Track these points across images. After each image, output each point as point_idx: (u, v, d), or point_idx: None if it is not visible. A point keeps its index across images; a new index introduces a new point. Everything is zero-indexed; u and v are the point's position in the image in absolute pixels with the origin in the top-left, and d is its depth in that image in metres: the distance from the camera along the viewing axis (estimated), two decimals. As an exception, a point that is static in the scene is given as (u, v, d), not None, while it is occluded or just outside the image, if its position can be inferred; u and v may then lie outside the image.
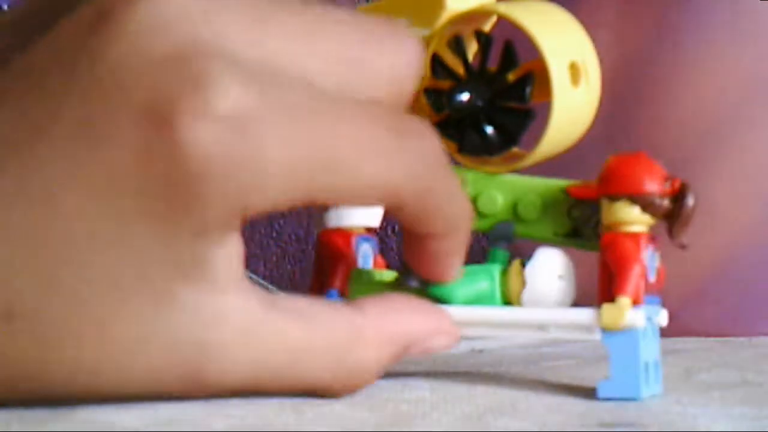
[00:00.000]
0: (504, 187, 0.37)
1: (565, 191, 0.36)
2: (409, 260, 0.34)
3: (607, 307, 0.33)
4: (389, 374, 0.37)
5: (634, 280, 0.34)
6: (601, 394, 0.33)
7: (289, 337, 0.31)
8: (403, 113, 0.33)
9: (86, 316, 0.30)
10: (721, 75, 0.50)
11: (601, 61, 0.37)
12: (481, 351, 0.46)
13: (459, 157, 0.38)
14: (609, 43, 0.49)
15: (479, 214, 0.37)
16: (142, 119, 0.28)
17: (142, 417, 0.29)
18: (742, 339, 0.49)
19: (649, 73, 0.51)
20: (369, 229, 0.37)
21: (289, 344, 0.31)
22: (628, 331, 0.33)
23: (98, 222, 0.29)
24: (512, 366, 0.39)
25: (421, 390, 0.34)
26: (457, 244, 0.34)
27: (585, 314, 0.34)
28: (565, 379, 0.35)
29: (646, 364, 0.33)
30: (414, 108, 0.39)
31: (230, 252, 0.30)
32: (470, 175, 0.37)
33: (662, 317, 0.35)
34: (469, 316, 0.35)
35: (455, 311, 0.35)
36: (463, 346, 0.46)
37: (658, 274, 0.35)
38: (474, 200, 0.37)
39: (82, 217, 0.29)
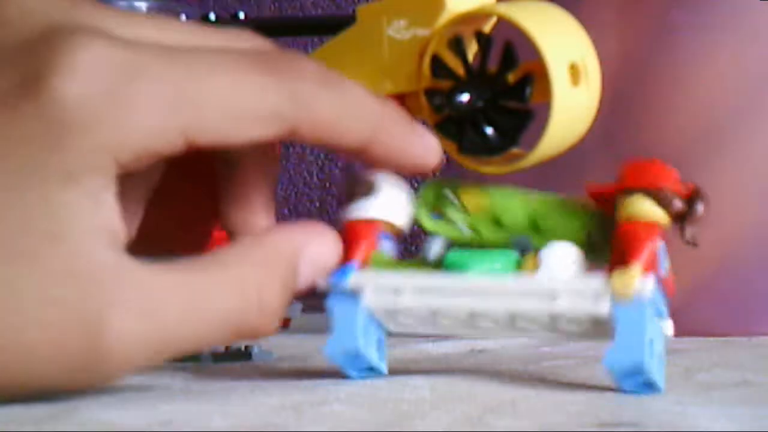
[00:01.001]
0: (525, 204, 0.37)
1: (582, 207, 0.36)
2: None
3: (618, 273, 0.34)
4: (389, 374, 0.37)
5: (647, 250, 0.34)
6: (607, 362, 0.33)
7: (188, 287, 0.31)
8: (274, 54, 0.34)
9: None
10: (721, 75, 0.50)
11: (601, 61, 0.37)
12: (481, 351, 0.46)
13: (459, 158, 0.38)
14: (609, 43, 0.49)
15: (502, 227, 0.37)
16: (20, 83, 0.30)
17: (142, 417, 0.29)
18: (742, 339, 0.49)
19: (650, 73, 0.51)
20: (393, 229, 0.37)
21: (189, 294, 0.31)
22: (637, 302, 0.33)
23: None
24: (512, 366, 0.39)
25: (421, 390, 0.34)
26: (397, 134, 0.34)
27: (595, 281, 0.34)
28: (565, 379, 0.36)
29: (651, 341, 0.33)
30: (414, 108, 0.39)
31: (101, 207, 0.30)
32: (496, 194, 0.37)
33: (668, 326, 0.35)
34: (481, 285, 0.35)
35: (467, 280, 0.35)
36: (463, 346, 0.46)
37: (666, 284, 0.35)
38: (498, 217, 0.37)
39: None
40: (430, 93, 0.38)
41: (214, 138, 0.32)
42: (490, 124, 0.37)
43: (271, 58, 0.33)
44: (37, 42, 0.31)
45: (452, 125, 0.38)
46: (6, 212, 0.30)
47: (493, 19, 0.38)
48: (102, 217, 0.30)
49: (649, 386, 0.33)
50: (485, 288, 0.35)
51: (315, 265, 0.34)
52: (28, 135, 0.30)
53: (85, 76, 0.30)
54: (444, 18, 0.38)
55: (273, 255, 0.33)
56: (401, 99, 0.39)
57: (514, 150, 0.37)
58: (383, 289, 0.36)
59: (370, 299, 0.36)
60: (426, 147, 0.35)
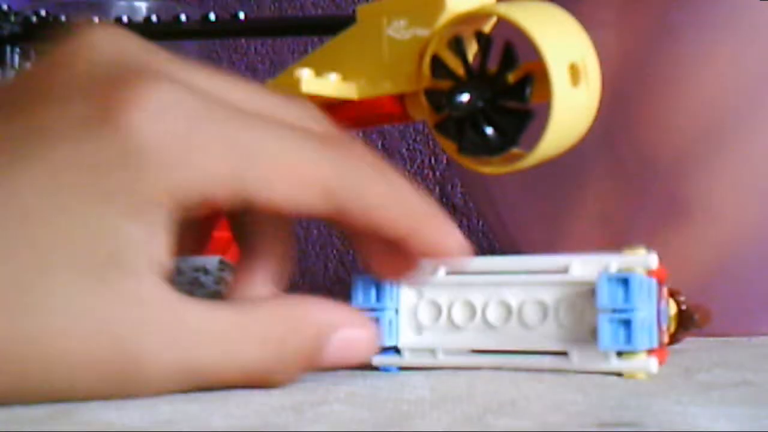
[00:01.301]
0: None
1: None
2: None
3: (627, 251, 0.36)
4: (389, 374, 0.37)
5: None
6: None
7: (217, 326, 0.32)
8: (333, 133, 0.35)
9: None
10: (721, 74, 0.50)
11: (601, 61, 0.37)
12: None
13: (459, 158, 0.38)
14: (609, 43, 0.49)
15: None
16: (94, 113, 0.31)
17: (142, 417, 0.30)
18: (742, 339, 0.49)
19: (649, 73, 0.51)
20: None
21: (216, 333, 0.32)
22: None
23: (39, 198, 0.31)
24: (512, 366, 0.39)
25: (421, 390, 0.34)
26: (433, 230, 0.35)
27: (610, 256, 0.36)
28: (565, 379, 0.36)
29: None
30: (414, 108, 0.39)
31: (156, 241, 0.32)
32: None
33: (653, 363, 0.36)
34: (493, 264, 0.37)
35: (481, 260, 0.37)
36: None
37: (661, 351, 0.37)
38: None
39: (24, 194, 0.31)
40: (430, 93, 0.38)
41: (267, 198, 0.33)
42: (490, 125, 0.37)
43: (330, 137, 0.34)
44: (111, 79, 0.32)
45: (452, 125, 0.38)
46: (65, 232, 0.31)
47: (493, 19, 0.38)
48: (155, 252, 0.32)
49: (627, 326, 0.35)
50: (498, 267, 0.37)
51: (348, 349, 0.35)
52: (95, 164, 0.31)
53: (157, 116, 0.31)
54: (444, 18, 0.38)
55: (301, 317, 0.34)
56: (401, 99, 0.39)
57: (514, 150, 0.37)
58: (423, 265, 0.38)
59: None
60: (455, 244, 0.36)
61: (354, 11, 0.40)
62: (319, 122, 0.36)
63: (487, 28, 0.38)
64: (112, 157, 0.31)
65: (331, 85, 0.39)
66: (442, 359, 0.38)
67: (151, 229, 0.32)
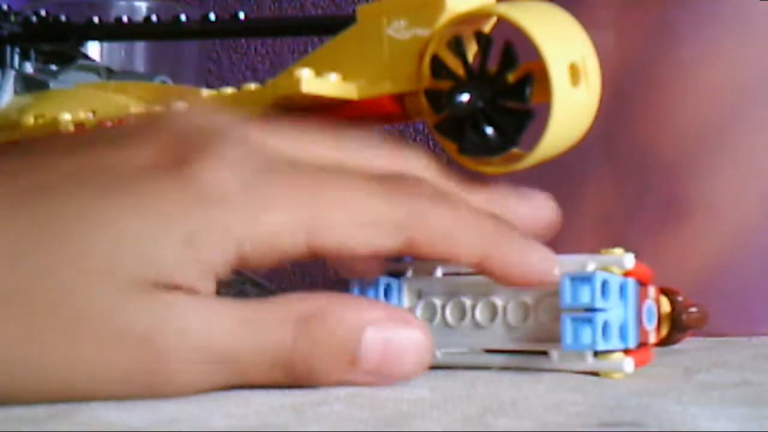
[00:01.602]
0: None
1: None
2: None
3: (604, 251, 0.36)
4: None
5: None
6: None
7: (236, 315, 0.33)
8: (395, 175, 0.36)
9: (47, 298, 0.31)
10: (721, 75, 0.50)
11: (601, 61, 0.37)
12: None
13: (459, 158, 0.38)
14: (609, 43, 0.49)
15: None
16: (162, 162, 0.33)
17: (143, 416, 0.30)
18: (742, 339, 0.49)
19: (649, 73, 0.51)
20: None
21: (236, 321, 0.33)
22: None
23: (91, 211, 0.32)
24: (512, 366, 0.39)
25: (421, 390, 0.34)
26: (510, 250, 0.35)
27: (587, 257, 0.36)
28: (565, 379, 0.36)
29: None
30: (414, 108, 0.39)
31: (203, 281, 0.33)
32: None
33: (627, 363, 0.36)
34: None
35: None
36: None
37: (645, 352, 0.37)
38: None
39: (75, 201, 0.32)
40: (430, 93, 0.38)
41: (337, 243, 0.34)
42: (490, 125, 0.37)
43: (391, 178, 0.35)
44: (185, 137, 0.34)
45: (452, 125, 0.38)
46: (106, 244, 0.32)
47: (493, 19, 0.38)
48: (198, 285, 0.32)
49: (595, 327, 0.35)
50: None
51: (389, 352, 0.34)
52: (163, 203, 0.32)
53: (224, 167, 0.33)
54: (444, 18, 0.38)
55: (325, 307, 0.34)
56: (401, 99, 0.39)
57: (514, 150, 0.37)
58: (421, 267, 0.39)
59: (409, 274, 0.39)
60: (541, 261, 0.36)
61: (354, 11, 0.40)
62: (404, 162, 0.37)
63: (487, 28, 0.38)
64: (174, 196, 0.32)
65: (331, 85, 0.39)
66: (439, 358, 0.38)
67: (199, 268, 0.32)
